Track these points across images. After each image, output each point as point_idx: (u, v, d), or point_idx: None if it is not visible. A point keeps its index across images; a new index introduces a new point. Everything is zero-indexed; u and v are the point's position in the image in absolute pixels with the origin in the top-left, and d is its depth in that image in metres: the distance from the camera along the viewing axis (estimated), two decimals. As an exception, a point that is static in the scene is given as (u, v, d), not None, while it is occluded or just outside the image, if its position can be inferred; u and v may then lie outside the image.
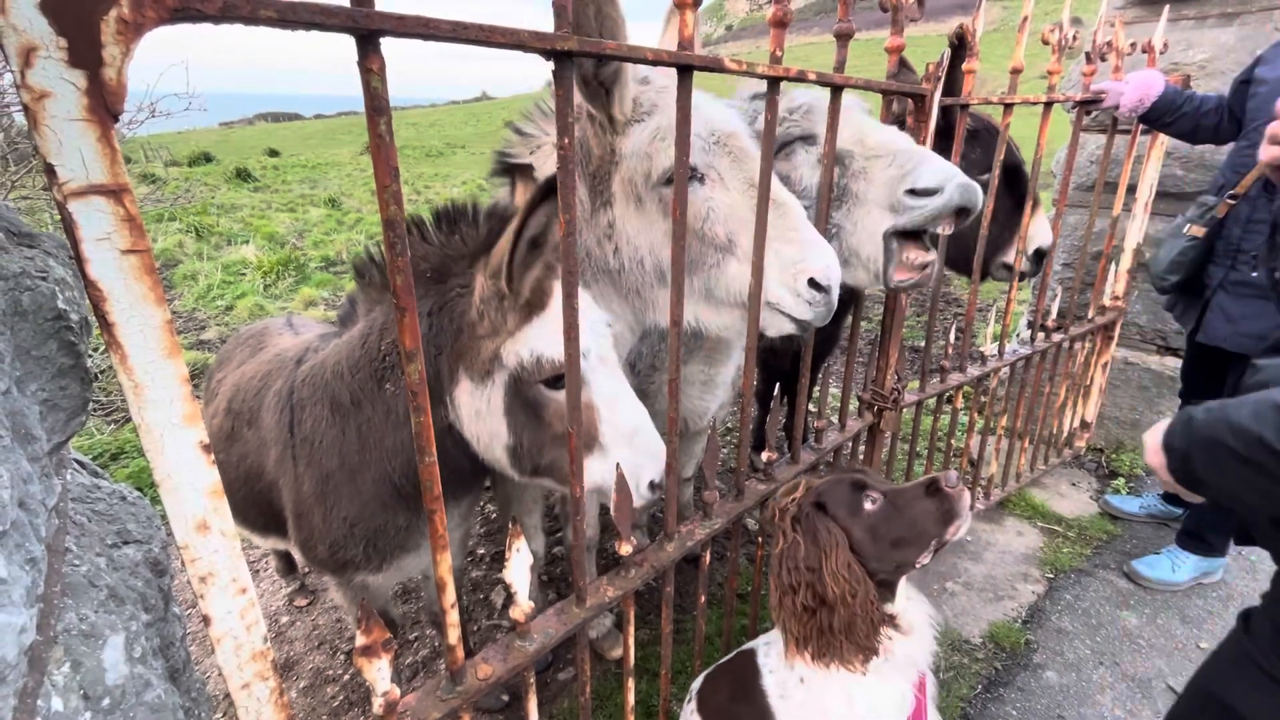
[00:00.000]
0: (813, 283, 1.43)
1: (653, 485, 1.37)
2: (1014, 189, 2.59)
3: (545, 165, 1.64)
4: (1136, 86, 2.53)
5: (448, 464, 1.45)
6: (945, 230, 1.71)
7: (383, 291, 1.46)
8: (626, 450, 1.33)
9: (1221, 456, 0.98)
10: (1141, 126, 2.87)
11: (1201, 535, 2.74)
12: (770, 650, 1.52)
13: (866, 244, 1.80)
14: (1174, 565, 2.78)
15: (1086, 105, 2.67)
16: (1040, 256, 2.64)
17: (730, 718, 1.52)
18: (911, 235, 1.76)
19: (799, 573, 1.33)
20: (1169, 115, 2.56)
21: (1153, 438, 1.15)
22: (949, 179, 1.64)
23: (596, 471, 1.34)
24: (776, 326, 1.54)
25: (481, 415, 1.36)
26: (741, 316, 1.54)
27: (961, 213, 1.67)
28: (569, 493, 1.23)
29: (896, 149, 1.73)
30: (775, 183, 1.50)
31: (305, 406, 1.54)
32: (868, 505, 1.35)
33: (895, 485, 1.39)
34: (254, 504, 1.79)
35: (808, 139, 1.91)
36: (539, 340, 1.29)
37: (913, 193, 1.68)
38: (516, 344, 1.29)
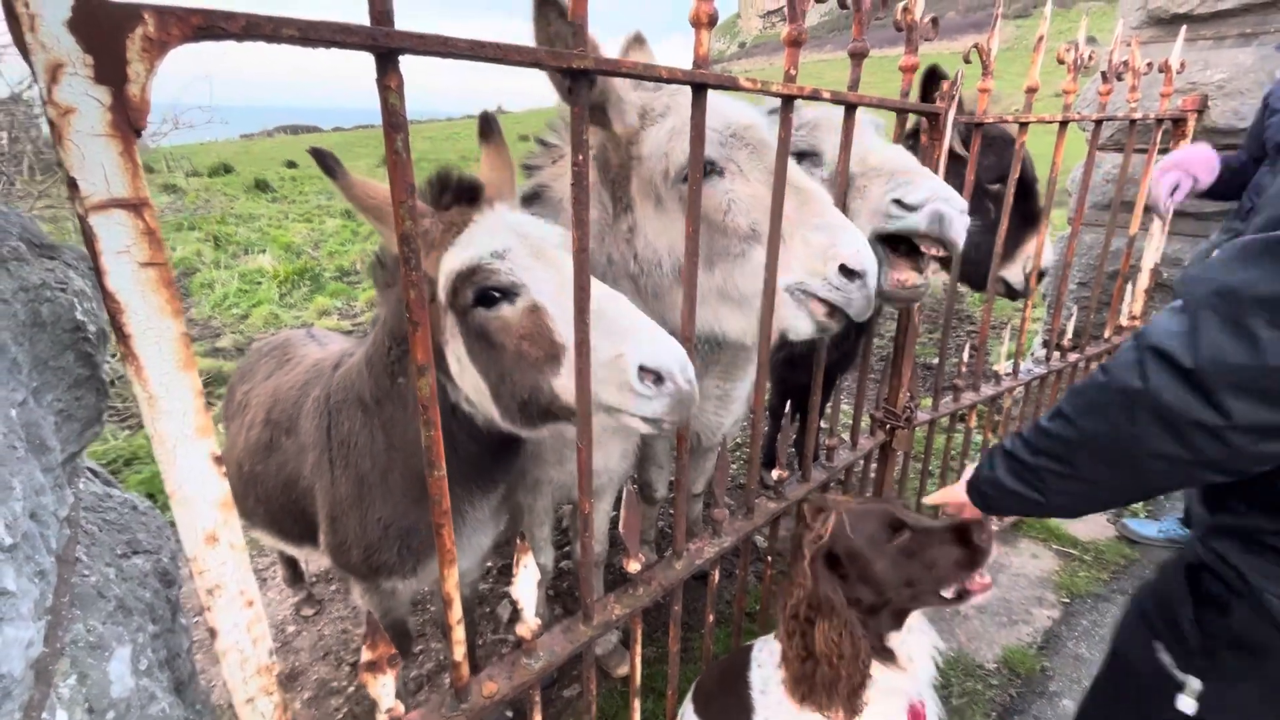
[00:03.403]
0: (845, 270, 1.36)
1: (648, 374, 1.08)
2: (1022, 205, 2.55)
3: (567, 175, 1.65)
4: (1202, 170, 2.48)
5: (457, 451, 1.39)
6: (933, 252, 1.68)
7: (384, 289, 1.47)
8: (592, 340, 1.09)
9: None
10: (1159, 146, 2.85)
11: None
12: (765, 644, 1.54)
13: None
14: (1159, 528, 2.71)
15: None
16: (1038, 277, 2.59)
17: (718, 707, 1.55)
18: (905, 254, 1.73)
19: (797, 621, 1.32)
20: (1228, 176, 2.56)
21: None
22: (932, 198, 1.59)
23: (570, 383, 1.12)
24: (806, 324, 1.44)
25: (460, 376, 1.29)
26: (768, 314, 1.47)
27: (937, 240, 1.63)
28: (577, 455, 1.14)
29: (896, 167, 1.70)
30: (796, 169, 1.48)
31: (341, 409, 1.56)
32: (895, 540, 1.30)
33: (924, 521, 1.34)
34: (290, 512, 1.81)
35: (812, 156, 1.88)
36: (447, 264, 1.20)
37: (898, 203, 1.64)
38: (440, 280, 1.22)
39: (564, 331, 1.13)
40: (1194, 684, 1.12)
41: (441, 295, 1.22)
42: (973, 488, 1.28)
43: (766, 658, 1.48)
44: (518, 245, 1.20)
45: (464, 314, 1.21)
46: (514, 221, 1.26)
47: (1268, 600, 1.02)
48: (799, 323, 1.45)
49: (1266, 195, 0.94)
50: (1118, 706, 1.33)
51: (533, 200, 1.72)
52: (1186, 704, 1.12)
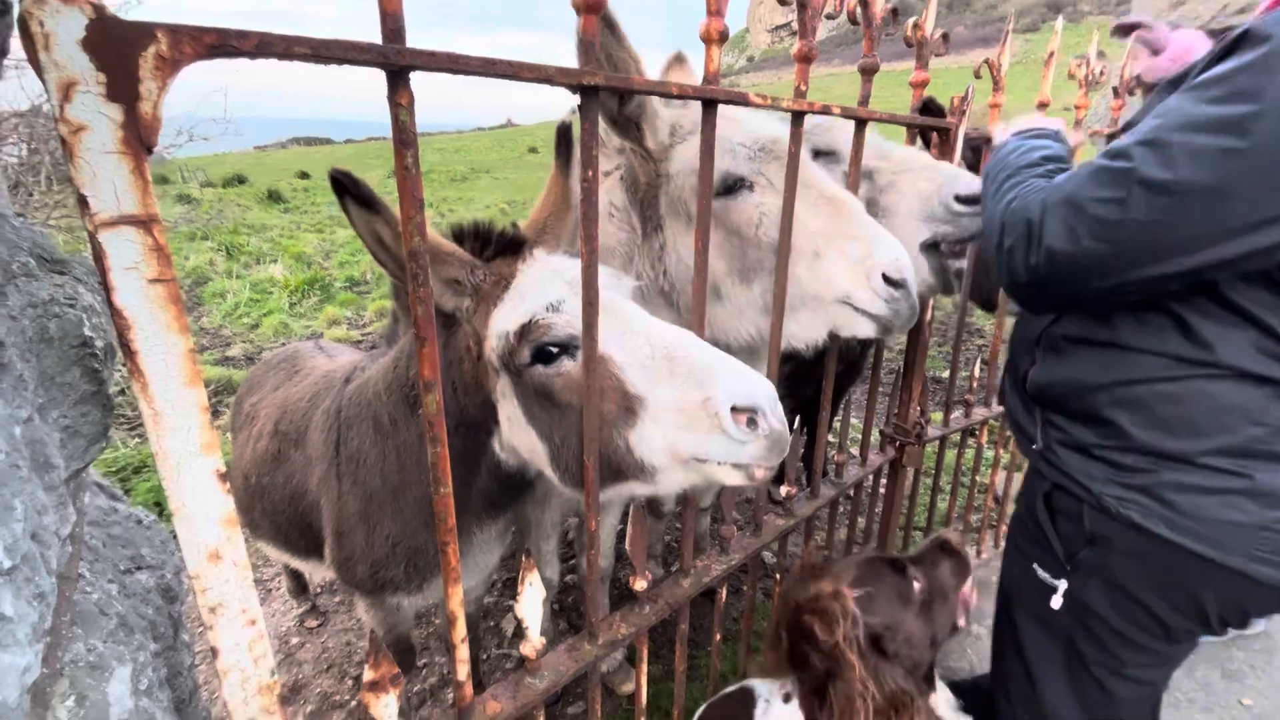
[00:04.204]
0: (886, 279, 1.36)
1: (742, 413, 1.00)
2: None
3: (606, 197, 1.64)
4: (1177, 51, 2.21)
5: (475, 484, 1.37)
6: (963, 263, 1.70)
7: (409, 314, 1.45)
8: (670, 386, 1.03)
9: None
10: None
11: None
12: (768, 707, 1.47)
13: None
14: None
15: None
16: None
17: None
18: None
19: None
20: None
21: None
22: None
23: (653, 432, 1.06)
24: (852, 327, 1.46)
25: (509, 434, 1.24)
26: (811, 316, 1.48)
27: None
28: (631, 496, 1.11)
29: (925, 162, 1.71)
30: (828, 180, 1.49)
31: (352, 425, 1.54)
32: (917, 586, 1.22)
33: (910, 554, 1.31)
34: (296, 525, 1.80)
35: (829, 154, 1.86)
36: (498, 322, 1.15)
37: (959, 199, 1.63)
38: (489, 339, 1.16)
39: (636, 380, 1.06)
40: (1062, 585, 1.38)
41: (492, 356, 1.16)
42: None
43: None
44: (571, 295, 1.12)
45: (518, 374, 1.14)
46: (561, 268, 1.21)
47: (1106, 501, 1.26)
48: (858, 325, 1.45)
49: (1145, 119, 1.10)
50: (1011, 626, 1.53)
51: None
52: (1056, 601, 1.38)
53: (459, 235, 1.26)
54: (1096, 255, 1.07)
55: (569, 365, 1.12)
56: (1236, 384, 1.13)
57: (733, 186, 1.47)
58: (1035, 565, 1.44)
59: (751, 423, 1.01)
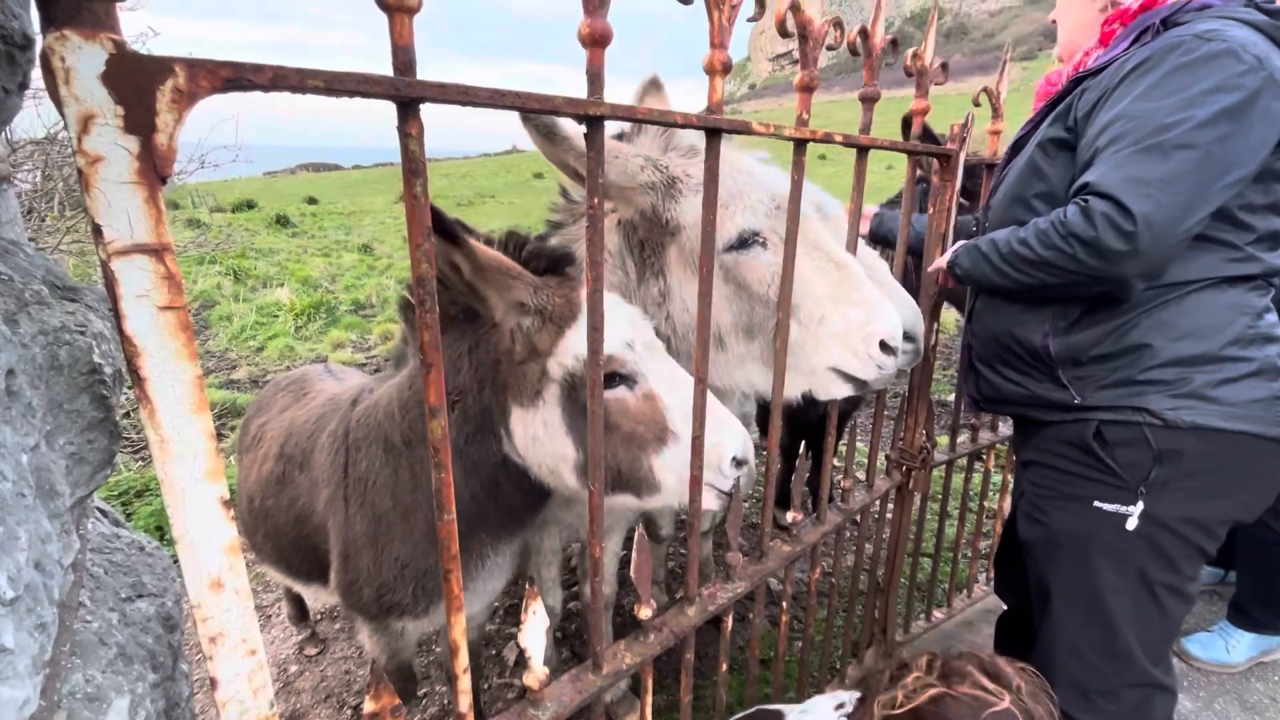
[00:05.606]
0: (883, 346, 1.45)
1: (737, 461, 1.34)
2: None
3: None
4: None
5: (499, 500, 1.46)
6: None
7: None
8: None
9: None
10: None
11: (1249, 611, 2.57)
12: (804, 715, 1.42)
13: None
14: (1228, 645, 2.60)
15: None
16: None
17: None
18: None
19: None
20: None
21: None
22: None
23: (675, 461, 1.31)
24: (830, 391, 1.54)
25: (540, 440, 1.34)
26: (800, 380, 1.55)
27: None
28: (648, 508, 1.21)
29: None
30: (833, 243, 1.54)
31: (360, 447, 1.55)
32: None
33: None
34: (299, 548, 1.79)
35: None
36: (580, 344, 1.28)
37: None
38: (559, 356, 1.30)
39: (675, 420, 1.31)
40: (1138, 508, 1.50)
41: (557, 367, 1.30)
42: (950, 266, 1.70)
43: None
44: (637, 336, 1.34)
45: (574, 389, 1.29)
46: (618, 303, 1.37)
47: (1166, 415, 1.44)
48: (834, 388, 1.54)
49: (1117, 124, 1.36)
50: (1083, 576, 1.62)
51: None
52: (1131, 523, 1.51)
53: (498, 244, 1.34)
54: (1170, 205, 1.29)
55: (624, 393, 1.32)
56: (1218, 289, 1.43)
57: (747, 241, 1.50)
58: (1096, 503, 1.55)
59: (737, 464, 1.36)
